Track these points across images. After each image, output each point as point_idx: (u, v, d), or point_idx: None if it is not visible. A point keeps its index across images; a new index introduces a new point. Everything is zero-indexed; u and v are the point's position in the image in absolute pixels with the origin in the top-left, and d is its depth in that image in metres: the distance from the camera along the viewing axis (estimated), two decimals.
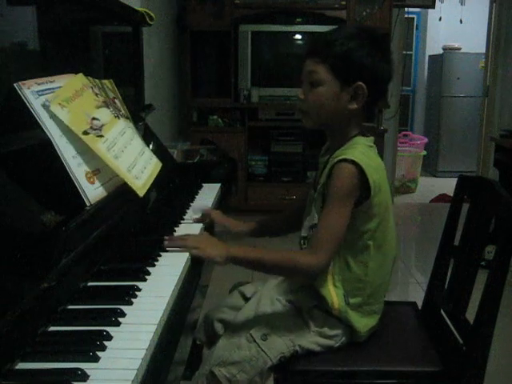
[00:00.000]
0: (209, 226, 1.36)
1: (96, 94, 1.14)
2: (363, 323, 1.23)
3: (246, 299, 1.36)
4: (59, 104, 0.98)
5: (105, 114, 1.12)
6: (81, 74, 1.14)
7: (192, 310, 0.96)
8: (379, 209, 1.17)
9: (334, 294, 1.20)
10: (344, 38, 1.16)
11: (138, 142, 1.25)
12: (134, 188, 1.08)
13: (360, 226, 1.17)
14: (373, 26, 3.80)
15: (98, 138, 1.04)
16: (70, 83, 1.06)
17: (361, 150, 1.16)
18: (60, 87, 1.03)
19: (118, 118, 1.19)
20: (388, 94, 1.28)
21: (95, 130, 1.04)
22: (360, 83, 1.14)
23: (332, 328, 1.22)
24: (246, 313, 1.27)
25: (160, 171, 1.34)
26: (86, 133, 1.01)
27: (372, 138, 1.24)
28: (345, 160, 1.12)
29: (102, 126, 1.07)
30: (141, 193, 1.10)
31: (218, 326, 1.37)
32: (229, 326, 1.30)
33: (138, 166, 1.15)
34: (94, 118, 1.06)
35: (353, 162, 1.11)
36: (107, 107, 1.15)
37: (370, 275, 1.21)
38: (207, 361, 1.21)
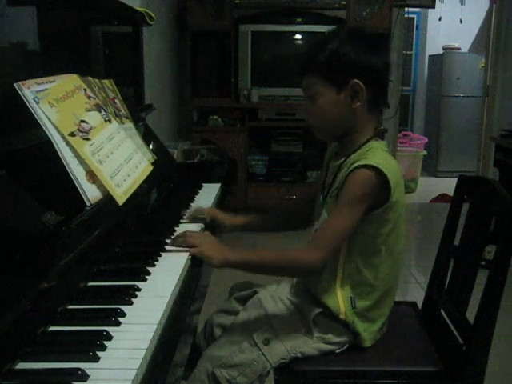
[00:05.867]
0: (209, 226, 1.36)
1: (89, 97, 1.14)
2: (369, 329, 1.22)
3: (244, 303, 1.35)
4: (49, 102, 0.98)
5: (94, 118, 1.11)
6: (75, 76, 1.13)
7: (192, 310, 0.96)
8: (394, 213, 1.17)
9: (340, 298, 1.20)
10: (324, 44, 1.16)
11: (126, 147, 1.24)
12: (114, 196, 1.06)
13: (374, 230, 1.17)
14: (372, 25, 3.80)
15: (84, 141, 1.03)
16: (62, 84, 1.06)
17: (380, 156, 1.15)
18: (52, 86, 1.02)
19: (110, 122, 1.18)
20: (388, 94, 1.27)
21: (82, 132, 1.03)
22: (354, 80, 1.13)
23: (337, 335, 1.21)
24: (249, 312, 1.26)
25: (160, 171, 1.34)
26: (72, 134, 1.00)
27: (385, 142, 1.23)
28: (365, 166, 1.11)
29: (90, 129, 1.07)
30: (120, 201, 1.08)
31: (218, 332, 1.36)
32: (229, 327, 1.29)
33: (121, 174, 1.14)
34: (82, 121, 1.05)
35: (373, 168, 1.10)
36: (99, 111, 1.15)
37: (380, 279, 1.20)
38: (207, 358, 1.20)
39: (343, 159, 1.20)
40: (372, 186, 1.11)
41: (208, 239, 1.18)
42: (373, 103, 1.19)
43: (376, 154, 1.15)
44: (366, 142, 1.20)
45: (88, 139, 1.05)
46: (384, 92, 1.21)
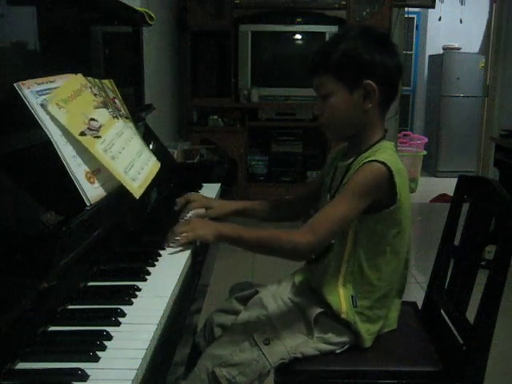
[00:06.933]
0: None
1: (95, 95, 1.14)
2: (369, 329, 1.22)
3: (245, 303, 1.35)
4: (57, 104, 0.98)
5: (103, 115, 1.11)
6: (80, 75, 1.13)
7: (192, 309, 0.95)
8: (402, 215, 1.17)
9: (342, 295, 1.20)
10: (337, 43, 1.16)
11: (136, 142, 1.25)
12: (131, 190, 1.08)
13: (380, 231, 1.17)
14: (372, 25, 3.80)
15: (95, 139, 1.03)
16: (69, 83, 1.06)
17: (390, 154, 1.16)
18: (58, 87, 1.03)
19: (117, 118, 1.19)
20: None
21: (93, 130, 1.04)
22: (367, 81, 1.14)
23: (338, 335, 1.21)
24: (250, 312, 1.26)
25: (160, 171, 1.34)
26: (83, 134, 1.00)
27: (393, 143, 1.23)
28: (376, 161, 1.11)
29: (100, 126, 1.07)
30: (137, 194, 1.09)
31: (218, 331, 1.36)
32: (229, 327, 1.29)
33: (135, 168, 1.15)
34: (91, 119, 1.05)
35: (384, 164, 1.11)
36: (106, 108, 1.15)
37: (382, 280, 1.21)
38: (207, 357, 1.20)
39: (353, 159, 1.20)
40: (379, 180, 1.11)
41: (196, 221, 1.20)
42: (384, 104, 1.19)
43: (386, 152, 1.16)
44: (376, 143, 1.20)
45: (99, 137, 1.05)
46: (395, 93, 1.21)
